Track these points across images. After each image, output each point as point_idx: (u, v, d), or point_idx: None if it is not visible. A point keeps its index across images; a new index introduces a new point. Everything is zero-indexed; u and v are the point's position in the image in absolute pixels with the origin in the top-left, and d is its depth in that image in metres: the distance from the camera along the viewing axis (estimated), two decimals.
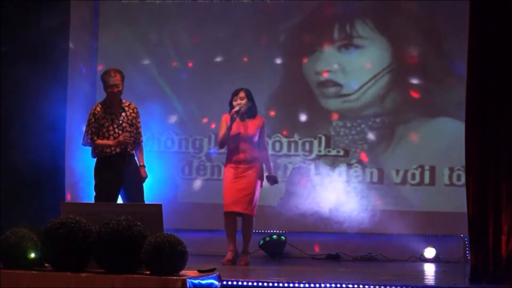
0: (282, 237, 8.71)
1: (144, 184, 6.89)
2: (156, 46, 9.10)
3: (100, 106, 6.83)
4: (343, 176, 8.74)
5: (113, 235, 4.21)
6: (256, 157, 7.31)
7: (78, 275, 4.26)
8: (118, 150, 6.73)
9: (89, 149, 6.86)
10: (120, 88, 6.77)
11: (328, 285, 5.59)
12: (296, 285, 5.64)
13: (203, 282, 4.37)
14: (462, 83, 6.39)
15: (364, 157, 8.77)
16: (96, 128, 6.76)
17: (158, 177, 8.40)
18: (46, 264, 4.47)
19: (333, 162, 8.78)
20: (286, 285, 5.63)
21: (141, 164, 6.88)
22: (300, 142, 8.87)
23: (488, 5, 6.06)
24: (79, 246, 4.31)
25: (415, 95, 8.79)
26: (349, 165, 8.76)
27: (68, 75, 8.62)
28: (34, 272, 4.36)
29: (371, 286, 5.59)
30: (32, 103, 8.09)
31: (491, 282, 5.83)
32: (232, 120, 7.23)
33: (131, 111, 6.87)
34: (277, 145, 8.86)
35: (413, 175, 8.71)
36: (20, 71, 8.01)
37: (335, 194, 8.65)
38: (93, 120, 6.78)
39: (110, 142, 6.73)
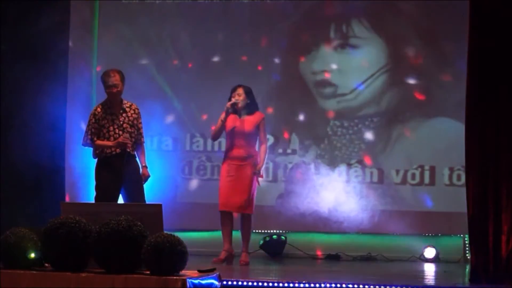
0: (282, 237, 8.71)
1: (144, 184, 6.89)
2: (156, 46, 9.08)
3: (100, 106, 6.82)
4: (343, 176, 8.73)
5: (113, 235, 4.21)
6: (252, 154, 7.29)
7: (78, 275, 4.26)
8: (118, 150, 6.72)
9: (89, 149, 6.85)
10: (119, 88, 6.76)
11: (328, 285, 5.59)
12: (296, 285, 5.64)
13: (203, 282, 4.37)
14: (462, 83, 6.40)
15: (364, 157, 8.76)
16: (96, 129, 6.75)
17: (158, 177, 8.39)
18: (46, 264, 4.46)
19: (333, 162, 8.78)
20: (286, 285, 5.64)
21: (143, 164, 6.88)
22: (298, 142, 8.86)
23: (488, 5, 6.06)
24: (79, 246, 4.30)
25: (412, 95, 8.76)
26: (349, 165, 8.75)
27: (68, 74, 8.64)
28: (34, 272, 4.35)
29: (371, 286, 5.59)
30: (32, 102, 8.10)
31: (491, 282, 5.83)
32: (227, 113, 7.22)
33: (132, 111, 6.85)
34: (275, 144, 8.84)
35: (413, 175, 8.71)
36: (20, 70, 8.02)
37: (335, 193, 8.65)
38: (93, 120, 6.77)
39: (109, 143, 6.72)
